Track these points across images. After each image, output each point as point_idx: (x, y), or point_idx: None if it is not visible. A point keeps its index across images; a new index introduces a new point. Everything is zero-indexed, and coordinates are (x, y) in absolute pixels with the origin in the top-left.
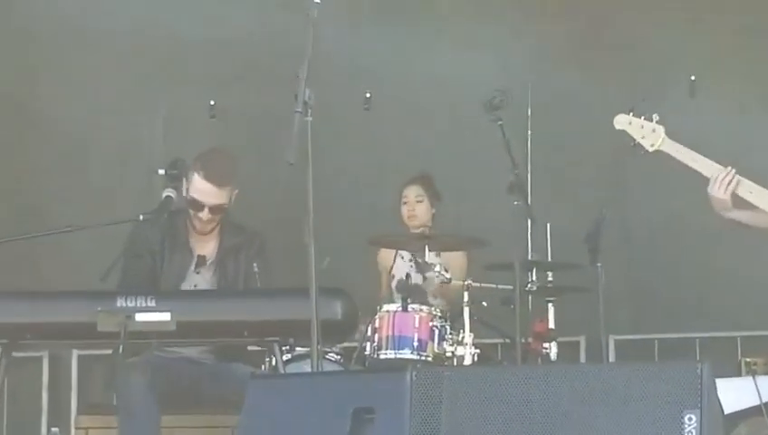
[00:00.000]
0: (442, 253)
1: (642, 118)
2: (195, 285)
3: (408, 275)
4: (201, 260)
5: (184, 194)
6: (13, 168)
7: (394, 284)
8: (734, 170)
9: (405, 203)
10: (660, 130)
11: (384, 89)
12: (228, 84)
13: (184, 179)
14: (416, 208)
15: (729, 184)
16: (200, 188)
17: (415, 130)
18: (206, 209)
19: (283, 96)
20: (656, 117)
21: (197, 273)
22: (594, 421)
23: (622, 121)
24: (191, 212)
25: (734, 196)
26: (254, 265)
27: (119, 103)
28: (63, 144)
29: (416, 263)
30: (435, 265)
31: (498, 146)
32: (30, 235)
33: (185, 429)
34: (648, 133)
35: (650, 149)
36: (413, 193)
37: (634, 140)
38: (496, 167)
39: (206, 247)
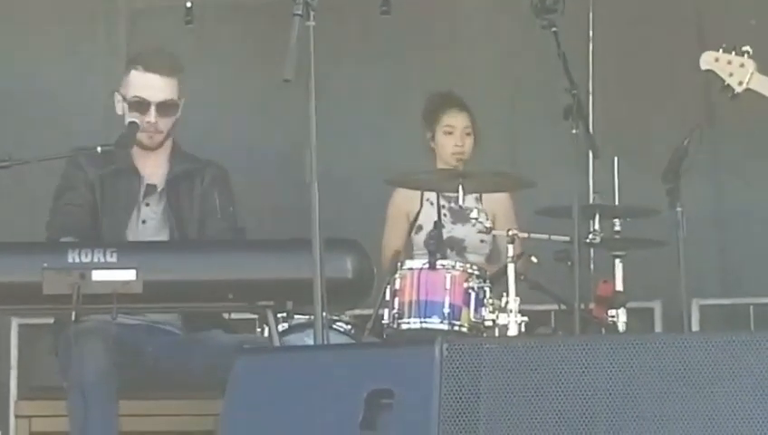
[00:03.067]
0: (484, 197)
1: (732, 52)
2: (143, 222)
3: (436, 223)
4: (151, 189)
5: (119, 111)
6: None
7: (422, 237)
8: None
9: (449, 133)
10: (750, 64)
11: None
12: None
13: (118, 91)
14: (465, 142)
15: None
16: (142, 82)
17: (444, 38)
18: (153, 108)
19: None
20: (748, 49)
21: (147, 205)
22: (673, 406)
23: (708, 60)
24: (135, 117)
25: None
26: (214, 194)
27: (68, 8)
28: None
29: (450, 209)
30: (471, 211)
31: (552, 59)
32: None
33: (152, 417)
34: (737, 69)
35: (738, 89)
36: (461, 122)
37: (722, 81)
38: (549, 86)
39: (156, 174)
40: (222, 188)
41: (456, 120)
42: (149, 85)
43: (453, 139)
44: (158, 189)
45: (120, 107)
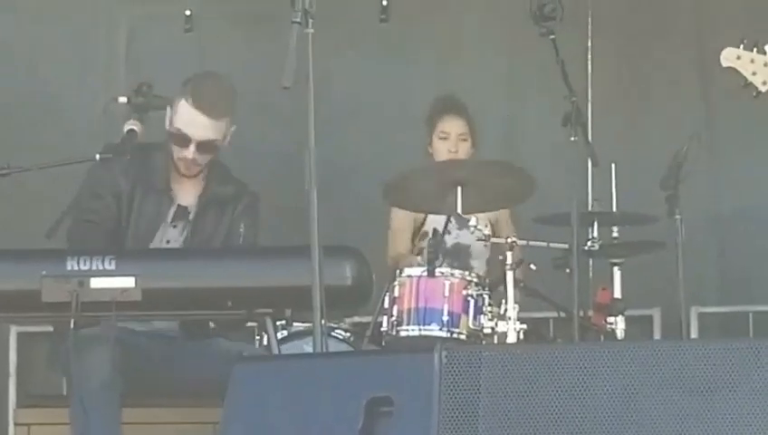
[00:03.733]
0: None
1: (754, 50)
2: (167, 242)
3: (435, 231)
4: (181, 212)
5: (167, 126)
6: None
7: (425, 243)
8: None
9: (444, 139)
10: None
11: None
12: None
13: (168, 108)
14: (459, 148)
15: None
16: (187, 117)
17: (444, 46)
18: (193, 146)
19: (279, 3)
20: None
21: (174, 226)
22: (673, 413)
23: (730, 56)
24: (174, 149)
25: None
26: (241, 225)
27: (68, 13)
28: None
29: (456, 216)
30: (470, 218)
31: (551, 66)
32: None
33: (153, 425)
34: (761, 68)
35: (763, 89)
36: (456, 128)
37: (745, 79)
38: (548, 93)
39: (189, 197)
40: (249, 219)
41: (450, 126)
42: (194, 123)
43: (447, 144)
44: (189, 214)
45: (168, 123)
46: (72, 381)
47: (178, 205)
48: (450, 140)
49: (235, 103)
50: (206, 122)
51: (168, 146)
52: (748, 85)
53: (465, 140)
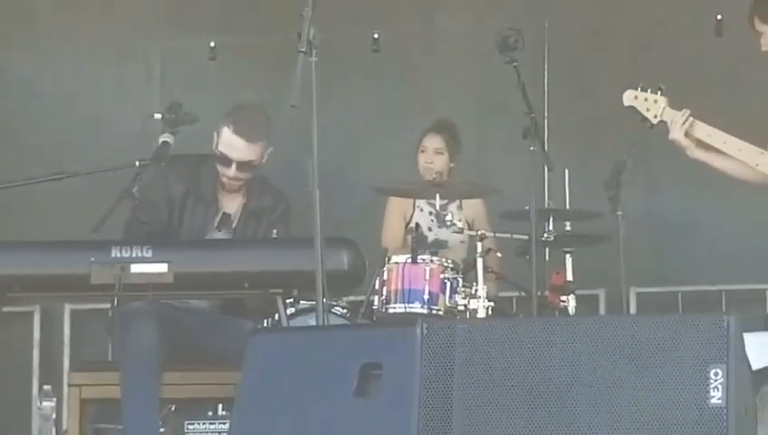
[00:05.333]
0: (464, 204)
1: (648, 91)
2: None
3: (417, 226)
4: (225, 219)
5: (214, 148)
6: None
7: (410, 236)
8: (688, 112)
9: (422, 152)
10: (662, 100)
11: (393, 29)
12: (228, 25)
13: (215, 133)
14: (434, 160)
15: (683, 125)
16: (229, 142)
17: (425, 73)
18: (234, 166)
19: (287, 36)
20: (662, 86)
21: (219, 231)
22: (615, 375)
23: (629, 97)
24: (219, 168)
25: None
26: (274, 230)
27: (111, 45)
28: (52, 87)
29: (436, 215)
30: (447, 214)
31: (513, 88)
32: (18, 182)
33: (183, 386)
34: (652, 105)
35: (654, 121)
36: (433, 144)
37: (641, 115)
38: (511, 110)
39: (232, 205)
40: (282, 224)
41: (428, 142)
42: (235, 147)
43: (424, 156)
44: (233, 221)
45: (214, 144)
46: (118, 348)
47: (223, 213)
48: (427, 153)
49: (271, 129)
50: (244, 146)
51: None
52: (644, 120)
53: (441, 153)
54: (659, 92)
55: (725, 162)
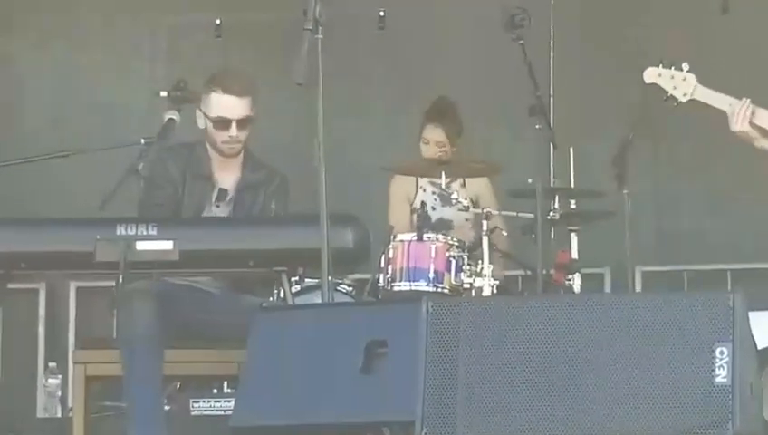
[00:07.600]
0: (468, 182)
1: (672, 68)
2: None
3: (423, 204)
4: (222, 193)
5: (201, 126)
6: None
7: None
8: (748, 101)
9: (425, 144)
10: (692, 78)
11: (399, 6)
12: (234, 2)
13: (200, 109)
14: (436, 153)
15: (745, 116)
16: (221, 104)
17: (432, 51)
18: (234, 124)
19: (293, 14)
20: (685, 66)
21: (217, 206)
22: (620, 353)
23: (651, 75)
24: (217, 135)
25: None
26: (272, 202)
27: (118, 23)
28: (57, 65)
29: (440, 193)
30: (453, 192)
31: (520, 66)
32: (25, 159)
33: (188, 364)
34: (680, 83)
35: (683, 99)
36: (434, 136)
37: (666, 93)
38: (518, 89)
39: (228, 180)
40: (280, 198)
41: (430, 135)
42: (229, 106)
43: (427, 149)
44: (229, 195)
45: (202, 122)
46: (124, 326)
47: (220, 188)
48: (430, 145)
49: (255, 84)
50: (237, 102)
51: (209, 138)
52: (669, 98)
53: (442, 145)
54: (685, 69)
55: None
